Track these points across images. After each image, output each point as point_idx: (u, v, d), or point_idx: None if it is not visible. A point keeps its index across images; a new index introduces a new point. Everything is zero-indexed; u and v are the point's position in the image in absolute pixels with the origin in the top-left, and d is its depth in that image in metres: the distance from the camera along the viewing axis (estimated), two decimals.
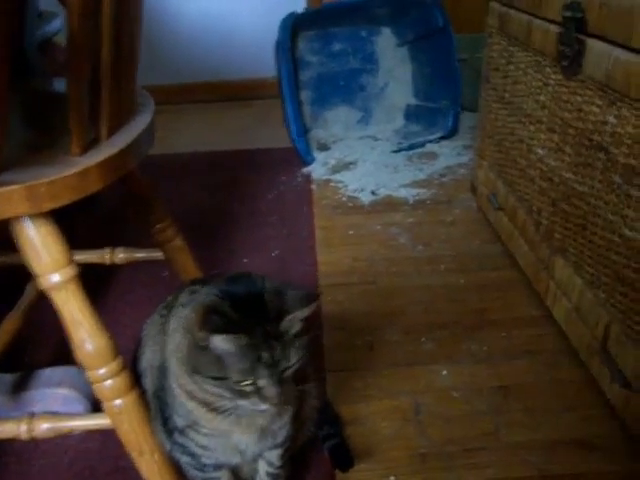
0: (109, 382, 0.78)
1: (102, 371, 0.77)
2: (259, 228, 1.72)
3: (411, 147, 2.21)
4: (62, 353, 1.06)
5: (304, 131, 2.16)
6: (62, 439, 1.01)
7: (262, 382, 0.68)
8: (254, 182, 2.02)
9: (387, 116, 2.43)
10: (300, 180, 2.03)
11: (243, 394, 0.69)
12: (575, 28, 1.02)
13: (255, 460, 0.86)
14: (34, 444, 1.01)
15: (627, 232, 0.92)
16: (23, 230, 0.71)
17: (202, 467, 0.82)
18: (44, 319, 0.98)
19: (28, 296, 1.09)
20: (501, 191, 1.50)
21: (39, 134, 0.83)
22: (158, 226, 1.09)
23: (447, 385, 1.14)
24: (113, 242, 1.21)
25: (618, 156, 0.93)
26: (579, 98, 1.05)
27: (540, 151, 1.24)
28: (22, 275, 0.86)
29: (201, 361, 0.69)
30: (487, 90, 1.59)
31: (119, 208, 1.76)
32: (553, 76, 1.15)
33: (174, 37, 2.73)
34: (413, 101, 2.42)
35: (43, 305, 0.85)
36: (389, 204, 1.85)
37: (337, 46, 2.37)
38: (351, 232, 1.70)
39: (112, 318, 1.31)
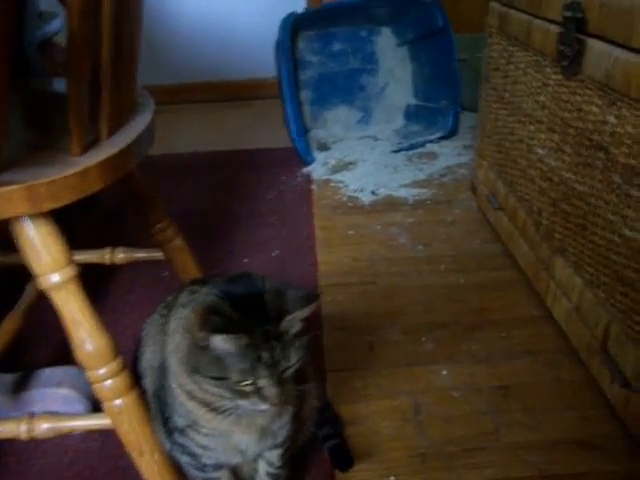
0: (109, 382, 0.78)
1: (102, 371, 0.77)
2: (259, 228, 1.72)
3: (411, 147, 2.21)
4: (62, 353, 1.06)
5: (304, 131, 2.16)
6: (62, 439, 1.01)
7: (262, 382, 0.68)
8: (254, 182, 2.02)
9: (387, 116, 2.43)
10: (300, 180, 2.03)
11: (243, 394, 0.69)
12: (575, 28, 1.02)
13: (255, 460, 0.86)
14: (34, 444, 1.01)
15: (627, 232, 0.92)
16: (23, 230, 0.71)
17: (202, 467, 0.83)
18: (44, 319, 0.98)
19: (28, 296, 1.09)
20: (501, 191, 1.50)
21: (39, 134, 0.82)
22: (158, 226, 1.09)
23: (447, 385, 1.14)
24: (113, 242, 1.20)
25: (618, 156, 0.93)
26: (579, 98, 1.05)
27: (540, 151, 1.24)
28: (22, 275, 0.86)
29: (201, 361, 0.69)
30: (487, 90, 1.59)
31: (119, 208, 1.76)
32: (553, 76, 1.15)
33: (174, 37, 2.73)
34: (413, 101, 2.42)
35: (43, 305, 0.85)
36: (389, 204, 1.85)
37: (337, 46, 2.37)
38: (351, 232, 1.70)
39: (112, 318, 1.31)
